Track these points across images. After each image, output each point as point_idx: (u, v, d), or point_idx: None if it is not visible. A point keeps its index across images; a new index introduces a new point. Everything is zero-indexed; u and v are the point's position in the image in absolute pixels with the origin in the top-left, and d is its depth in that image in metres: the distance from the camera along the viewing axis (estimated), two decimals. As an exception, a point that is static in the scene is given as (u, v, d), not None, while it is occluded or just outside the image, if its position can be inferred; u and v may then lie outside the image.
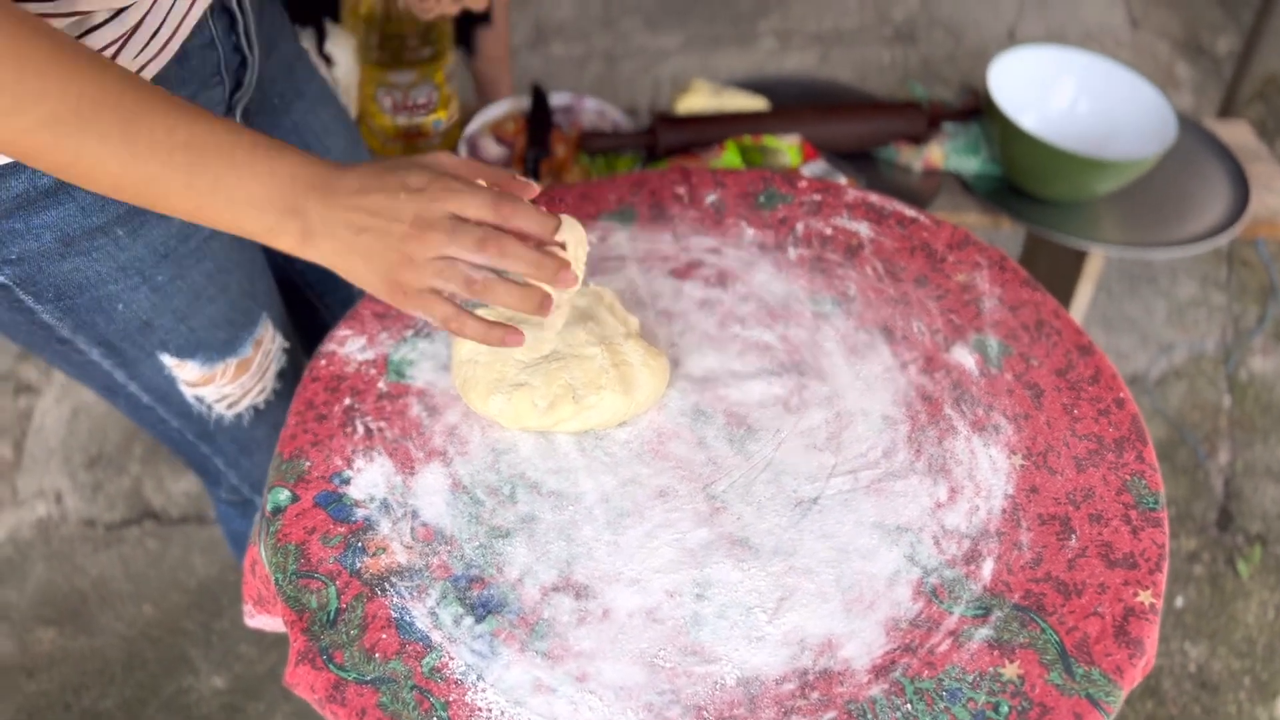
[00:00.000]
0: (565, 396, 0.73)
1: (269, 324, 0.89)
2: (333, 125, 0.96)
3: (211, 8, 0.73)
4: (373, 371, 0.79)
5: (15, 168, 0.66)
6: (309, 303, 1.04)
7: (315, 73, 0.95)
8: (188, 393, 0.86)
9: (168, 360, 0.82)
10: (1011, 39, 2.55)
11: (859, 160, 1.42)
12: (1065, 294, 1.53)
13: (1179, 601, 1.48)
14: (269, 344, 0.90)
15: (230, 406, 0.89)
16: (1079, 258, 1.48)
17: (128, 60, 0.66)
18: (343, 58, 1.42)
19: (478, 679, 0.61)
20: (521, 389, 0.73)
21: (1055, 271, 1.56)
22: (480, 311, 0.73)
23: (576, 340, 0.76)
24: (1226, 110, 2.08)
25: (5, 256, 0.71)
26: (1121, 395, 0.75)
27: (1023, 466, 0.71)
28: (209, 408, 0.88)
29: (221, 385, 0.87)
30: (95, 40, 0.63)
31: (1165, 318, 1.90)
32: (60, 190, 0.69)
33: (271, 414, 0.93)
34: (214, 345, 0.84)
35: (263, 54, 0.85)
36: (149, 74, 0.68)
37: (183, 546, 1.58)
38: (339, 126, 0.97)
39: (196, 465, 0.99)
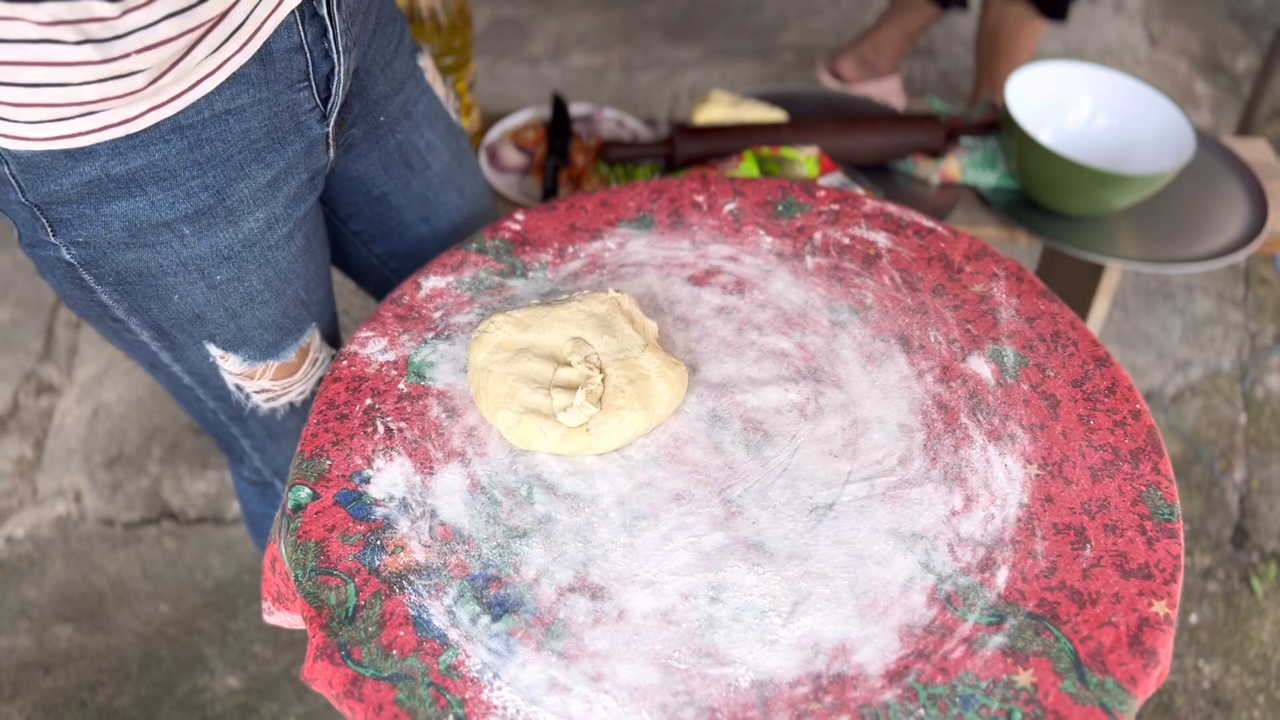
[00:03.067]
0: (578, 432, 0.73)
1: (316, 334, 0.90)
2: (437, 143, 0.97)
3: (301, 13, 0.72)
4: (393, 373, 0.80)
5: (90, 152, 0.68)
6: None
7: (427, 90, 0.96)
8: (229, 380, 0.88)
9: (213, 350, 0.84)
10: (1031, 54, 2.55)
11: (876, 173, 1.43)
12: (1081, 309, 1.53)
13: (1193, 618, 1.48)
14: (315, 353, 0.91)
15: (268, 400, 0.91)
16: (1095, 272, 1.48)
17: (204, 54, 0.67)
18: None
19: (494, 677, 0.62)
20: (530, 416, 0.74)
21: (1071, 286, 1.56)
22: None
23: (593, 356, 0.76)
24: (1245, 128, 2.09)
25: (73, 238, 0.73)
26: (1138, 407, 0.76)
27: (1038, 476, 0.72)
28: (247, 397, 0.90)
29: (262, 381, 0.88)
30: (167, 29, 0.63)
31: (1181, 335, 1.90)
32: (132, 182, 0.70)
33: (306, 410, 0.95)
34: (259, 345, 0.85)
35: (376, 70, 0.86)
36: (227, 70, 0.69)
37: (200, 547, 1.59)
38: (443, 145, 0.98)
39: (223, 444, 1.01)
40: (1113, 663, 0.62)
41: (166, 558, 1.58)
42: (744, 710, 0.60)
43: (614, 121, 1.46)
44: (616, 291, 0.81)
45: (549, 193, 1.31)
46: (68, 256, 0.74)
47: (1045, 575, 0.66)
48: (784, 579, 0.66)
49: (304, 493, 0.72)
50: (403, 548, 0.69)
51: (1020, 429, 0.75)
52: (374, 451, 0.74)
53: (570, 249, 0.90)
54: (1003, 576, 0.66)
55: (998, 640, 0.63)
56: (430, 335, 0.83)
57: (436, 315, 0.84)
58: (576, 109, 1.47)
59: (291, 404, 0.93)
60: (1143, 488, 0.71)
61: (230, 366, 0.86)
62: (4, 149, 0.68)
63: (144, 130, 0.68)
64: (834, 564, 0.67)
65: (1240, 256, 1.30)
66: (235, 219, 0.76)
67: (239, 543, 1.60)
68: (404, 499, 0.72)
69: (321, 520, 0.70)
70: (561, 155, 1.36)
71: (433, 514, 0.71)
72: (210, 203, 0.74)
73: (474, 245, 0.90)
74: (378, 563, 0.68)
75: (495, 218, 1.09)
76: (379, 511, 0.71)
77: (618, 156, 1.36)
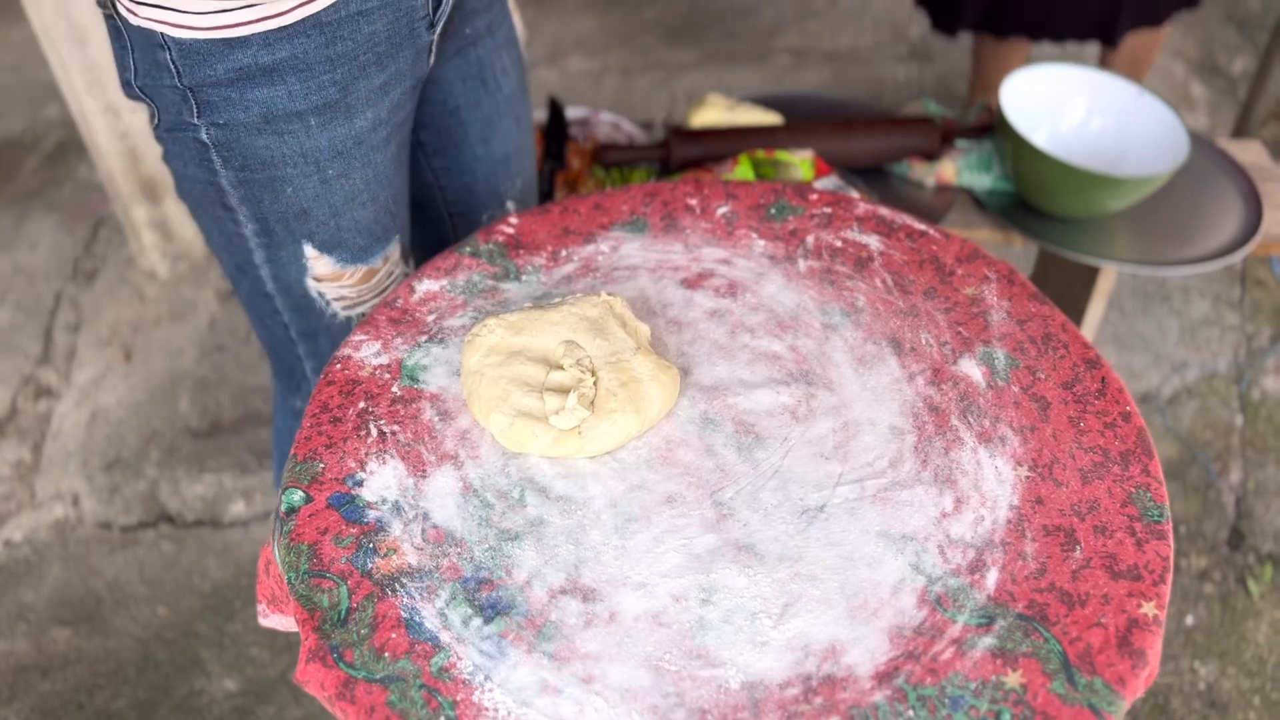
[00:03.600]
0: (570, 435, 0.73)
1: (399, 246, 0.98)
2: (510, 68, 1.05)
3: None
4: (387, 376, 0.80)
5: (245, 42, 0.78)
6: (440, 220, 1.13)
7: (508, 17, 1.04)
8: (312, 287, 0.94)
9: (309, 251, 0.91)
10: (1026, 57, 2.56)
11: (872, 176, 1.43)
12: (1077, 311, 1.53)
13: (1189, 620, 1.48)
14: (393, 265, 0.98)
15: (346, 308, 0.97)
16: (1091, 275, 1.49)
17: None
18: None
19: (485, 679, 0.62)
20: (523, 419, 0.74)
21: (1067, 288, 1.56)
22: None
23: (585, 359, 0.77)
24: (1241, 130, 2.09)
25: (214, 119, 0.82)
26: (1128, 409, 0.76)
27: (1028, 478, 0.72)
28: (327, 303, 0.96)
29: (344, 285, 0.95)
30: None
31: (1178, 337, 1.90)
32: (275, 72, 0.80)
33: None
34: (351, 248, 0.93)
35: None
36: None
37: (197, 550, 1.60)
38: (515, 70, 1.07)
39: (284, 368, 1.07)
40: (1101, 664, 0.62)
41: (164, 561, 1.58)
42: (734, 711, 0.61)
43: (610, 125, 1.47)
44: (609, 295, 0.82)
45: (545, 196, 1.32)
46: (205, 137, 0.83)
47: (1035, 577, 0.66)
48: (775, 581, 0.67)
49: (297, 496, 0.72)
50: (395, 550, 0.69)
51: (1011, 431, 0.75)
52: (367, 454, 0.75)
53: (564, 252, 0.90)
54: (992, 578, 0.66)
55: (987, 641, 0.63)
56: (424, 338, 0.83)
57: (430, 319, 0.85)
58: (573, 112, 1.48)
59: (363, 315, 0.98)
60: (1132, 489, 0.71)
61: (321, 269, 0.92)
62: (170, 37, 0.78)
63: (291, 24, 0.78)
64: (824, 566, 0.67)
65: (1234, 259, 1.31)
66: (351, 116, 0.85)
67: (236, 546, 1.60)
68: (396, 502, 0.72)
69: (314, 523, 0.71)
70: (557, 158, 1.36)
71: (425, 517, 0.71)
72: (335, 97, 0.83)
73: (467, 249, 0.91)
74: (370, 565, 0.68)
75: (534, 156, 1.15)
76: (371, 514, 0.71)
77: (614, 160, 1.36)
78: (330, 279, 0.94)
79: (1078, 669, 0.62)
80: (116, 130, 1.81)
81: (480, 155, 1.07)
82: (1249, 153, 1.52)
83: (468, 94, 1.02)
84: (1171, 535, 0.69)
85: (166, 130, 0.85)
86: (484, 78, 1.02)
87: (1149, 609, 0.65)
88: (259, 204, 0.87)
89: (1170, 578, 0.67)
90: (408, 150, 0.97)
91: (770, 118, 1.44)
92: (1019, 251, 2.02)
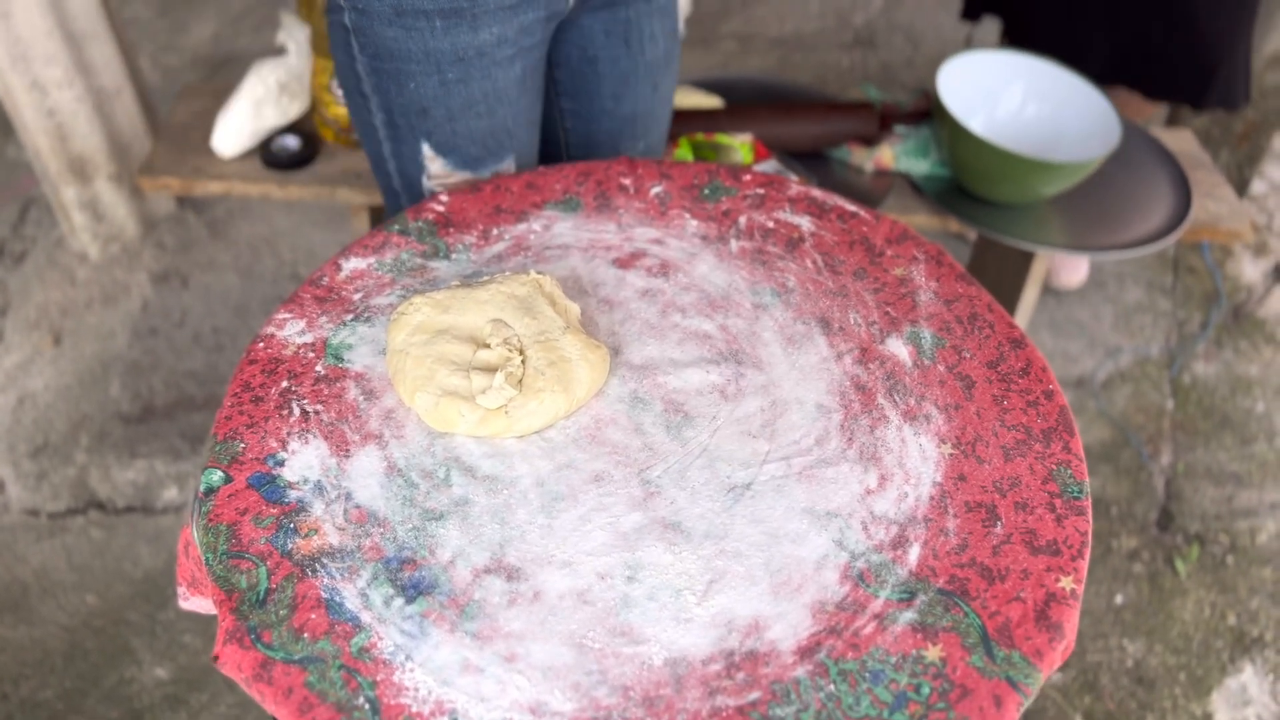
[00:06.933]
0: (497, 414, 0.73)
1: (513, 167, 1.01)
2: (660, 36, 1.06)
3: None
4: (311, 355, 0.79)
5: None
6: (558, 161, 1.14)
7: None
8: (427, 187, 0.99)
9: (426, 150, 0.96)
10: (969, 45, 2.58)
11: (812, 160, 1.44)
12: (1012, 295, 1.55)
13: (1119, 599, 1.51)
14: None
15: None
16: (1026, 260, 1.51)
17: None
18: (296, 47, 1.42)
19: (406, 659, 0.62)
20: (449, 398, 0.73)
21: (1004, 273, 1.58)
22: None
23: (513, 338, 0.76)
24: (1173, 120, 2.13)
25: (355, 4, 0.88)
26: (1050, 387, 0.77)
27: (952, 455, 0.73)
28: None
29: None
30: None
31: (1112, 323, 1.94)
32: None
33: None
34: (464, 154, 0.97)
35: None
36: None
37: (128, 536, 1.56)
38: (664, 40, 1.07)
39: None
40: (1019, 637, 0.63)
41: (93, 548, 1.55)
42: (656, 688, 0.60)
43: (550, 106, 1.45)
44: (538, 273, 0.81)
45: (482, 177, 1.30)
46: (347, 22, 0.90)
47: (956, 552, 0.67)
48: (700, 558, 0.67)
49: (216, 476, 0.71)
50: (316, 531, 0.68)
51: (936, 409, 0.75)
52: (289, 434, 0.73)
53: (495, 231, 0.89)
54: (914, 554, 0.67)
55: (908, 616, 0.64)
56: (349, 317, 0.82)
57: (356, 297, 0.83)
58: (512, 93, 1.46)
59: None
60: (1053, 466, 0.72)
61: (436, 169, 0.98)
62: None
63: None
64: (749, 543, 0.67)
65: (1165, 244, 1.33)
66: (476, 26, 0.89)
67: (168, 532, 1.57)
68: (319, 482, 0.71)
69: (234, 503, 0.69)
70: (496, 139, 1.34)
71: (347, 497, 0.70)
72: (463, 5, 0.87)
73: (396, 227, 0.89)
74: (290, 546, 0.67)
75: (666, 126, 1.15)
76: (293, 494, 0.70)
77: (553, 141, 1.35)
78: (444, 178, 0.98)
79: (996, 642, 0.63)
80: (43, 107, 1.76)
81: (609, 110, 1.09)
82: (1180, 141, 1.55)
83: (608, 48, 1.03)
84: (1090, 511, 0.70)
85: (328, 12, 0.93)
86: (628, 37, 1.03)
87: (1067, 583, 0.66)
88: (386, 94, 0.93)
89: (1088, 552, 0.68)
90: (540, 79, 1.00)
91: (711, 101, 1.44)
92: (956, 236, 2.04)
